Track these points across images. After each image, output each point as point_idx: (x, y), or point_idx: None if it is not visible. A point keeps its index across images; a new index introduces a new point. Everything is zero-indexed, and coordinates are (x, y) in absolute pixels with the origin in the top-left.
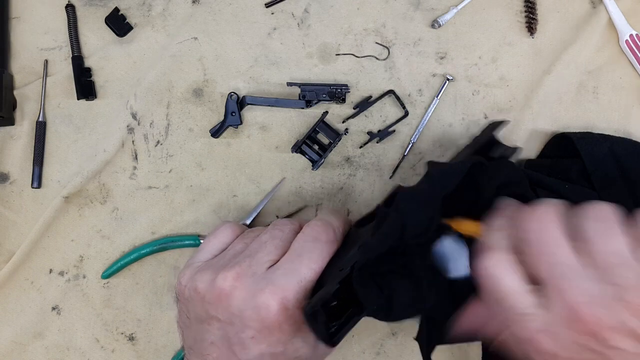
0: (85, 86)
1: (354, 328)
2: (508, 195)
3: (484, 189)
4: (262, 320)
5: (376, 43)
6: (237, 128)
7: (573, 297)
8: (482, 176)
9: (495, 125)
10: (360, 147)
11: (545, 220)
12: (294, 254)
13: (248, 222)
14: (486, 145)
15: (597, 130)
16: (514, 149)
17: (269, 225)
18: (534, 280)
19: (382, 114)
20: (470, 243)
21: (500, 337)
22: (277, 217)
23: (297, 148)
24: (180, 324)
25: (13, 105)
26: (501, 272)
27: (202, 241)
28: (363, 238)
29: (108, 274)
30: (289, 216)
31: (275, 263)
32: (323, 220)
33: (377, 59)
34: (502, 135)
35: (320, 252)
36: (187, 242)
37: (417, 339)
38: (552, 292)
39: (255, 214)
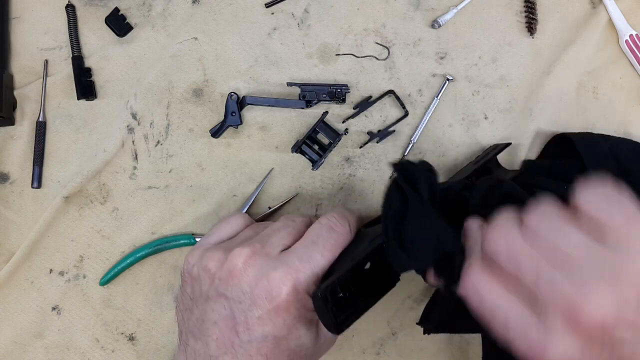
0: (85, 86)
1: (355, 327)
2: (498, 198)
3: (468, 202)
4: (272, 299)
5: (376, 43)
6: (237, 128)
7: (562, 298)
8: (468, 192)
9: (498, 147)
10: (360, 147)
11: (506, 235)
12: (309, 240)
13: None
14: (486, 167)
15: (597, 130)
16: (515, 172)
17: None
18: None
19: (382, 114)
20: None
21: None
22: (270, 207)
23: (297, 148)
24: (181, 307)
25: (13, 105)
26: (481, 287)
27: (196, 239)
28: (371, 235)
29: (106, 280)
30: (282, 205)
31: (287, 248)
32: (339, 213)
33: (377, 59)
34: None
35: (335, 242)
36: (181, 241)
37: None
38: (541, 300)
39: (248, 205)
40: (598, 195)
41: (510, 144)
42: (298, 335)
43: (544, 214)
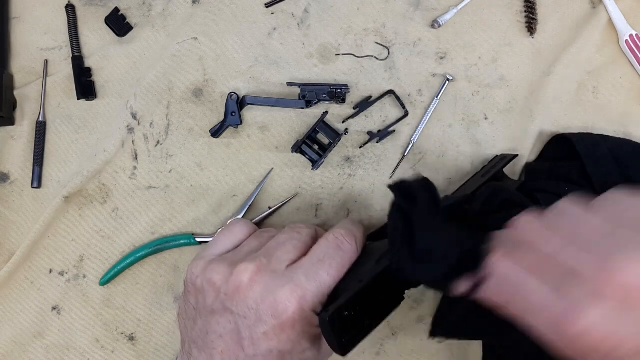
0: (85, 86)
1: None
2: (497, 205)
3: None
4: (279, 316)
5: (376, 43)
6: (237, 128)
7: (588, 266)
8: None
9: (504, 158)
10: (360, 147)
11: (529, 221)
12: (316, 257)
13: (242, 214)
14: (494, 179)
15: (597, 130)
16: (520, 182)
17: (284, 227)
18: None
19: (382, 114)
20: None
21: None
22: (270, 207)
23: (297, 148)
24: (184, 316)
25: (13, 105)
26: (506, 267)
27: (197, 239)
28: (377, 253)
29: (106, 280)
30: (282, 205)
31: (293, 263)
32: (347, 229)
33: (377, 59)
34: (502, 136)
35: (342, 261)
36: (181, 241)
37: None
38: (564, 275)
39: (248, 205)
40: (612, 196)
41: (517, 155)
42: (302, 350)
43: (563, 208)
